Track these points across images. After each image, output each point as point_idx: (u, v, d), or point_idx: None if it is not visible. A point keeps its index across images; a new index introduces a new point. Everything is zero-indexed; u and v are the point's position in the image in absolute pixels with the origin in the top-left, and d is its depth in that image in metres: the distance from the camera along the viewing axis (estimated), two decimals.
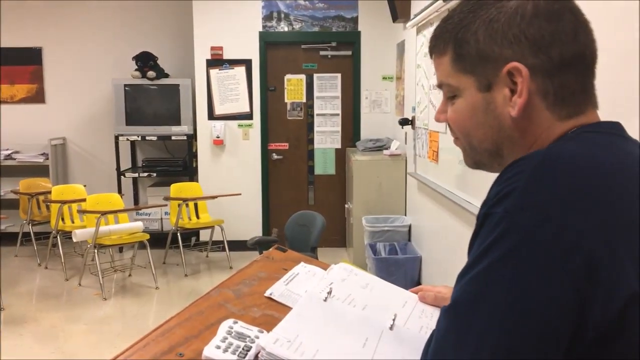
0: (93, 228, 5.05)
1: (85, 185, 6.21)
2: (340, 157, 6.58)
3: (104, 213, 5.15)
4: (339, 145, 6.58)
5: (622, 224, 0.70)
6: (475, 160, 0.92)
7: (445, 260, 4.16)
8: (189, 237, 6.45)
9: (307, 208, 6.23)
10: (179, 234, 5.78)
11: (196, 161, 6.49)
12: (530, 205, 0.69)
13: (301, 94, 6.55)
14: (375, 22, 6.30)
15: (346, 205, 6.22)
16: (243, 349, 0.85)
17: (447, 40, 0.87)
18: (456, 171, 3.64)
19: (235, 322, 0.93)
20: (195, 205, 6.08)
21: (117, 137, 6.36)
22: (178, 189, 6.02)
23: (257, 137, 6.43)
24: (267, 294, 1.13)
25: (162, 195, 6.11)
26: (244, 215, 6.44)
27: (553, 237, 0.67)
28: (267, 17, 6.31)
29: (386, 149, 5.79)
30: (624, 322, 0.67)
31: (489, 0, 0.83)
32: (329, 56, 6.49)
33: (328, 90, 6.54)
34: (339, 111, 6.55)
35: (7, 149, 6.67)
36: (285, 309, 1.06)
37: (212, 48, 6.31)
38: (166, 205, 6.02)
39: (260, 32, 6.31)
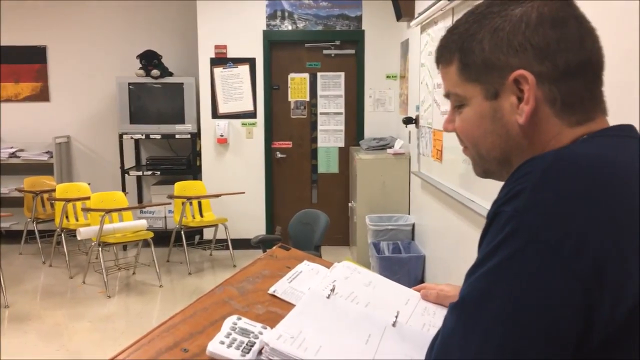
0: (97, 226, 5.06)
1: (89, 184, 6.23)
2: (343, 155, 6.59)
3: (108, 211, 5.17)
4: (342, 144, 6.59)
5: (630, 226, 0.69)
6: (484, 169, 0.92)
7: (448, 259, 4.16)
8: (193, 236, 6.46)
9: (311, 206, 6.25)
10: (182, 232, 5.79)
11: (200, 160, 6.50)
12: (538, 205, 0.70)
13: (305, 92, 6.56)
14: (379, 21, 6.30)
15: (350, 204, 6.23)
16: (247, 344, 0.86)
17: (453, 50, 0.88)
18: (460, 170, 3.64)
19: (239, 319, 0.93)
20: (199, 204, 6.09)
21: (121, 136, 6.37)
22: (182, 187, 6.04)
23: (260, 135, 6.44)
24: (270, 291, 1.13)
25: (166, 193, 6.12)
26: (247, 214, 6.45)
27: (561, 238, 0.67)
28: (271, 16, 6.32)
29: (390, 147, 5.79)
30: (632, 322, 0.67)
31: (494, 9, 0.83)
32: (332, 55, 6.50)
33: (331, 89, 6.54)
34: (343, 110, 6.56)
35: (12, 147, 6.69)
36: (288, 306, 1.07)
37: (216, 47, 6.31)
38: (170, 203, 6.03)
39: (264, 31, 6.32)
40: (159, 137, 6.42)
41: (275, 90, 6.56)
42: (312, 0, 6.32)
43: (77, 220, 5.96)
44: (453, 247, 4.00)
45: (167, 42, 6.78)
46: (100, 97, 6.93)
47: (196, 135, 6.43)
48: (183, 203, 5.79)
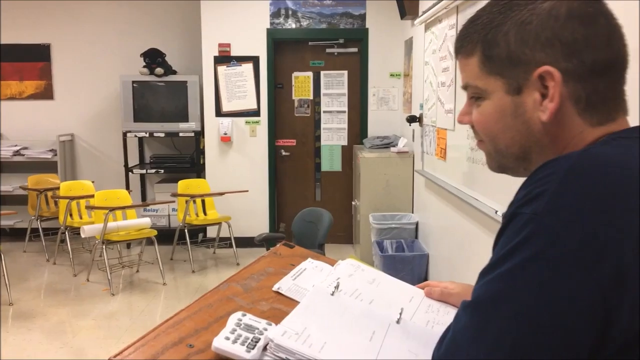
0: (101, 224, 5.07)
1: (93, 182, 6.24)
2: (346, 154, 6.59)
3: (112, 209, 5.18)
4: (345, 142, 6.60)
5: None
6: (500, 164, 0.90)
7: (452, 258, 4.15)
8: (196, 234, 6.48)
9: (314, 204, 6.26)
10: (186, 231, 5.80)
11: (204, 158, 6.51)
12: (560, 208, 0.68)
13: (308, 91, 6.57)
14: (383, 19, 6.30)
15: (353, 203, 6.23)
16: (252, 340, 0.86)
17: (475, 41, 0.85)
18: (464, 168, 3.64)
19: (244, 315, 0.94)
20: (203, 202, 6.10)
21: (125, 134, 6.38)
22: (185, 185, 6.05)
23: (264, 134, 6.44)
24: (274, 288, 1.13)
25: (170, 191, 6.14)
26: (251, 212, 6.46)
27: (581, 243, 0.66)
28: (275, 14, 6.32)
29: (393, 146, 5.79)
30: None
31: (520, 1, 0.81)
32: (336, 53, 6.51)
33: (335, 88, 6.55)
34: (346, 108, 6.56)
35: (16, 145, 6.71)
36: (292, 303, 1.07)
37: (220, 45, 6.32)
38: (174, 201, 6.05)
39: (267, 29, 6.32)
40: (162, 135, 6.43)
41: (279, 88, 6.58)
42: None
43: (81, 218, 5.98)
44: (457, 246, 3.99)
45: (171, 40, 6.79)
46: (104, 95, 6.94)
47: (200, 134, 6.44)
48: (187, 201, 5.80)
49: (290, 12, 6.32)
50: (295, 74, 6.58)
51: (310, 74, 6.56)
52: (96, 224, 5.21)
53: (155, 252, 5.38)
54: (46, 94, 6.94)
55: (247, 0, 6.26)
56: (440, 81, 4.18)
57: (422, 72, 4.89)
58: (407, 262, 4.83)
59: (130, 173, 6.46)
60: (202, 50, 6.35)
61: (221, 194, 6.05)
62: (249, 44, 6.34)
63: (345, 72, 6.53)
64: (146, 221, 5.46)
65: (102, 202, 5.41)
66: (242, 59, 6.36)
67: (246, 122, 6.43)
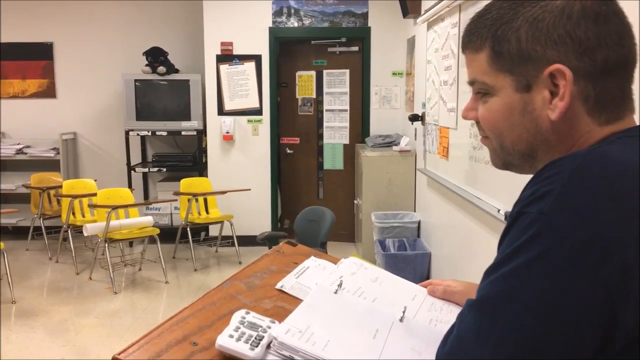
0: (103, 222, 5.08)
1: (95, 180, 6.25)
2: (348, 152, 6.60)
3: (114, 207, 5.18)
4: (347, 141, 6.60)
5: None
6: (505, 161, 0.89)
7: (454, 257, 4.15)
8: (199, 232, 6.48)
9: (317, 202, 6.28)
10: (188, 229, 5.81)
11: (206, 156, 6.52)
12: (566, 208, 0.68)
13: (311, 89, 6.60)
14: (386, 18, 6.30)
15: (355, 201, 6.23)
16: (255, 338, 0.86)
17: (484, 37, 0.84)
18: (466, 167, 3.64)
19: (247, 313, 0.94)
20: (205, 201, 6.11)
21: (127, 132, 6.39)
22: (188, 184, 6.05)
23: (266, 132, 6.44)
24: (278, 286, 1.13)
25: (172, 190, 6.14)
26: (253, 211, 6.46)
27: (587, 243, 0.66)
28: (277, 13, 6.32)
29: (396, 145, 5.79)
30: None
31: None
32: (338, 52, 6.52)
33: (337, 86, 6.57)
34: (347, 107, 6.57)
35: (19, 144, 6.72)
36: (296, 301, 1.07)
37: (222, 43, 6.32)
38: (176, 200, 6.06)
39: (270, 28, 6.32)
40: (165, 133, 6.44)
41: (283, 87, 6.64)
42: None
43: (83, 216, 5.99)
44: (459, 245, 3.99)
45: (174, 39, 6.79)
46: (106, 94, 6.95)
47: (202, 132, 6.44)
48: (189, 200, 5.80)
49: (292, 11, 6.32)
50: (299, 73, 6.63)
51: (313, 73, 6.59)
52: (99, 223, 5.22)
53: (158, 251, 5.39)
54: (49, 92, 6.95)
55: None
56: (443, 80, 4.17)
57: (425, 71, 4.89)
58: (409, 260, 4.83)
59: (132, 171, 6.47)
60: (204, 49, 6.35)
61: (223, 192, 6.05)
62: (251, 42, 6.34)
63: (347, 71, 6.53)
64: (148, 220, 5.46)
65: (104, 201, 5.42)
66: (244, 58, 6.36)
67: (248, 121, 6.43)
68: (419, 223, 5.29)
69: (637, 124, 0.83)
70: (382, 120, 6.47)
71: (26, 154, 6.67)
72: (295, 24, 6.35)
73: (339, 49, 6.51)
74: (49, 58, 6.90)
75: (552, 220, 0.68)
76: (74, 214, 5.90)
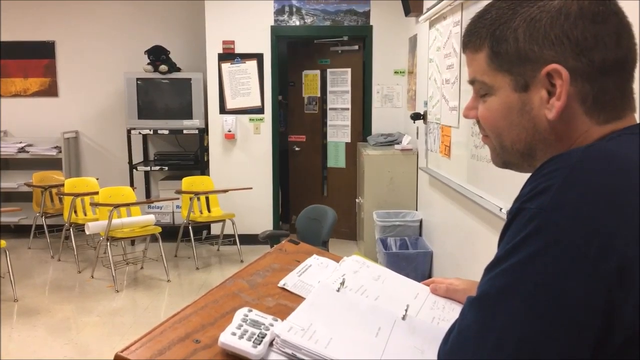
0: (105, 221, 5.08)
1: (97, 178, 6.25)
2: (350, 151, 6.61)
3: (116, 206, 5.19)
4: (348, 140, 6.62)
5: None
6: (505, 160, 0.90)
7: (456, 255, 4.15)
8: (200, 231, 6.48)
9: (322, 199, 6.31)
10: (190, 228, 5.81)
11: (207, 155, 6.52)
12: (565, 204, 0.68)
13: (316, 88, 6.68)
14: (388, 16, 6.29)
15: (357, 200, 6.23)
16: (258, 336, 0.87)
17: (483, 37, 0.85)
18: (468, 166, 3.64)
19: (250, 311, 0.94)
20: (207, 199, 6.11)
21: (129, 131, 6.39)
22: (189, 182, 6.06)
23: (268, 131, 6.44)
24: (280, 284, 1.14)
25: (174, 188, 6.15)
26: (254, 209, 6.47)
27: (587, 238, 0.66)
28: (279, 11, 6.32)
29: (397, 143, 5.78)
30: None
31: None
32: (340, 51, 6.54)
33: (339, 85, 6.59)
34: (349, 105, 6.59)
35: (21, 142, 6.72)
36: (298, 299, 1.07)
37: (224, 42, 6.32)
38: (178, 198, 6.06)
39: (272, 26, 6.32)
40: (166, 132, 6.44)
41: (291, 86, 6.84)
42: None
43: (85, 215, 5.99)
44: (461, 243, 3.99)
45: (175, 37, 6.80)
46: (108, 93, 6.95)
47: (204, 131, 6.44)
48: (191, 198, 5.81)
49: (294, 10, 6.32)
50: (305, 72, 6.75)
51: (317, 72, 6.68)
52: (100, 221, 5.22)
53: (160, 249, 5.39)
54: (51, 91, 6.96)
55: None
56: (445, 78, 4.17)
57: (427, 70, 4.88)
58: (411, 259, 4.83)
59: (134, 170, 6.48)
60: (206, 48, 6.35)
61: (225, 191, 6.06)
62: (253, 41, 6.34)
63: (349, 70, 6.54)
64: (150, 218, 5.47)
65: (106, 199, 5.42)
66: (246, 56, 6.36)
67: (250, 120, 6.44)
68: (420, 222, 5.29)
69: (638, 122, 0.83)
70: (384, 118, 6.46)
71: (28, 152, 6.67)
72: (297, 23, 6.35)
73: (341, 47, 6.52)
74: (51, 57, 6.91)
75: (552, 216, 0.68)
76: (75, 212, 5.90)
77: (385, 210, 5.43)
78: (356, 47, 6.50)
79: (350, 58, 6.56)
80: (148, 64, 6.39)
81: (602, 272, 0.65)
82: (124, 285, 5.21)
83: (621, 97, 0.81)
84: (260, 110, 6.42)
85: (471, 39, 0.87)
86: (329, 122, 6.72)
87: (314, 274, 1.21)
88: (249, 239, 6.10)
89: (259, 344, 0.85)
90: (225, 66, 6.36)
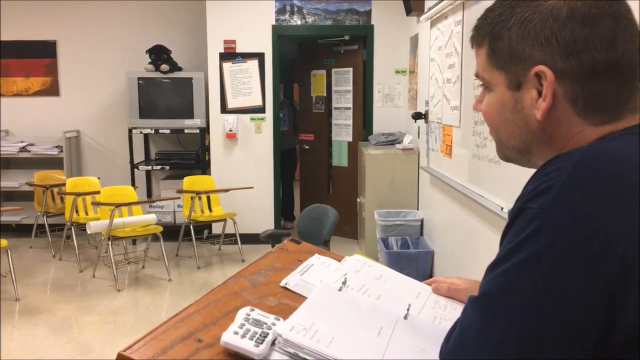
0: (107, 220, 5.09)
1: (99, 178, 6.26)
2: (352, 150, 6.62)
3: (117, 205, 5.19)
4: (350, 139, 6.63)
5: None
6: (505, 154, 0.92)
7: (457, 255, 4.15)
8: (202, 230, 6.49)
9: (327, 197, 6.35)
10: (191, 227, 5.81)
11: (209, 154, 6.52)
12: (566, 203, 0.69)
13: (322, 88, 6.78)
14: (389, 16, 6.29)
15: (358, 199, 6.23)
16: (260, 335, 0.87)
17: (484, 34, 0.87)
18: (469, 165, 3.64)
19: (252, 310, 0.94)
20: (208, 198, 6.11)
21: (130, 130, 6.40)
22: (191, 182, 6.06)
23: (269, 130, 6.44)
24: (282, 283, 1.14)
25: (175, 188, 6.15)
26: (256, 209, 6.47)
27: (588, 237, 0.66)
28: (280, 11, 6.32)
29: (399, 143, 5.78)
30: None
31: None
32: (342, 51, 6.55)
33: (342, 84, 6.61)
34: (351, 104, 6.60)
35: (22, 142, 6.73)
36: (300, 298, 1.07)
37: (225, 41, 6.32)
38: (179, 198, 6.06)
39: (273, 26, 6.32)
40: (168, 131, 6.44)
41: (301, 86, 7.04)
42: None
43: (86, 214, 5.99)
44: (462, 243, 3.99)
45: (176, 37, 6.80)
46: (109, 92, 6.96)
47: (205, 130, 6.44)
48: (192, 198, 5.81)
49: (295, 9, 6.32)
50: (313, 72, 6.85)
51: (324, 71, 6.76)
52: (102, 220, 5.22)
53: (161, 249, 5.39)
54: (52, 90, 6.96)
55: None
56: (446, 78, 4.17)
57: (428, 69, 4.88)
58: (412, 259, 4.83)
59: (135, 169, 6.48)
60: (207, 47, 6.35)
61: (226, 190, 6.06)
62: (254, 40, 6.34)
63: (351, 69, 6.55)
64: (152, 217, 5.47)
65: (107, 199, 5.43)
66: (247, 56, 6.36)
67: (251, 119, 6.44)
68: (422, 221, 5.29)
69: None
70: (385, 118, 6.46)
71: (29, 151, 6.68)
72: (298, 22, 6.35)
73: (344, 47, 6.54)
74: (53, 56, 6.91)
75: (553, 216, 0.69)
76: (77, 211, 5.91)
77: (387, 210, 5.43)
78: (355, 46, 6.51)
79: (352, 57, 6.56)
80: (149, 63, 6.39)
81: (603, 271, 0.65)
82: (125, 285, 5.21)
83: (617, 99, 0.79)
84: (261, 109, 6.42)
85: (475, 35, 0.89)
86: (333, 121, 6.77)
87: (316, 274, 1.21)
88: (250, 239, 6.10)
89: (261, 343, 0.85)
90: (227, 65, 6.36)
